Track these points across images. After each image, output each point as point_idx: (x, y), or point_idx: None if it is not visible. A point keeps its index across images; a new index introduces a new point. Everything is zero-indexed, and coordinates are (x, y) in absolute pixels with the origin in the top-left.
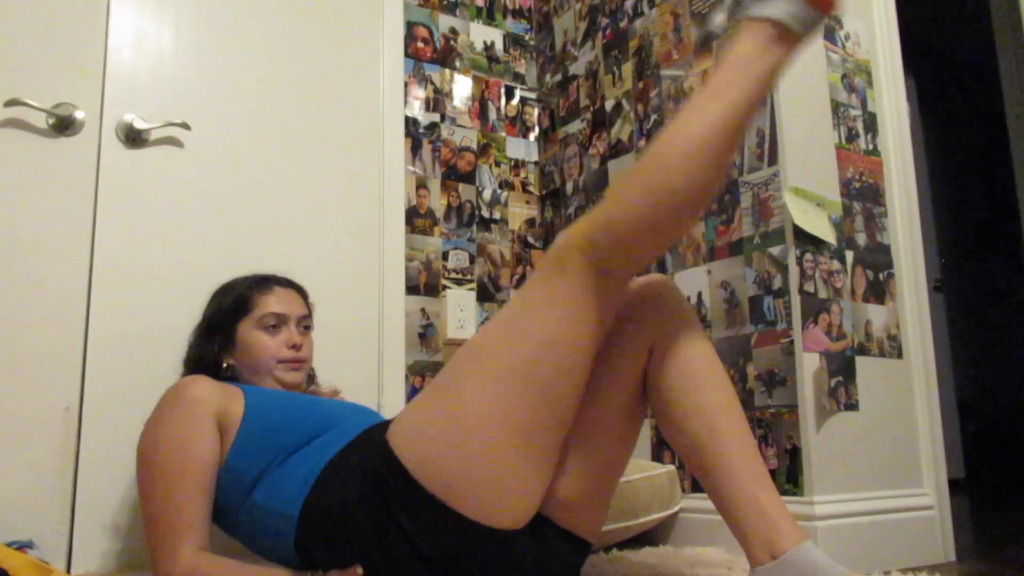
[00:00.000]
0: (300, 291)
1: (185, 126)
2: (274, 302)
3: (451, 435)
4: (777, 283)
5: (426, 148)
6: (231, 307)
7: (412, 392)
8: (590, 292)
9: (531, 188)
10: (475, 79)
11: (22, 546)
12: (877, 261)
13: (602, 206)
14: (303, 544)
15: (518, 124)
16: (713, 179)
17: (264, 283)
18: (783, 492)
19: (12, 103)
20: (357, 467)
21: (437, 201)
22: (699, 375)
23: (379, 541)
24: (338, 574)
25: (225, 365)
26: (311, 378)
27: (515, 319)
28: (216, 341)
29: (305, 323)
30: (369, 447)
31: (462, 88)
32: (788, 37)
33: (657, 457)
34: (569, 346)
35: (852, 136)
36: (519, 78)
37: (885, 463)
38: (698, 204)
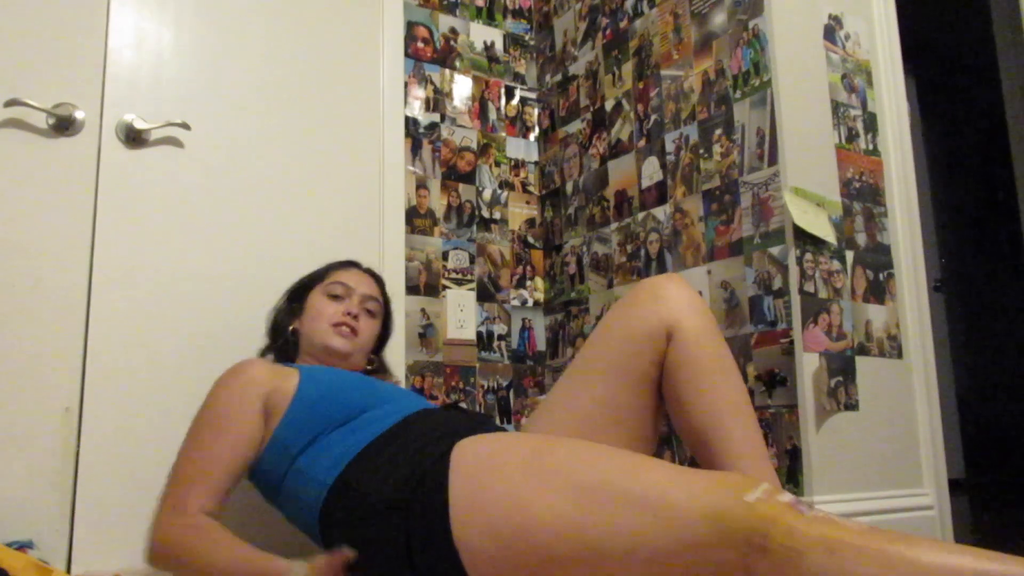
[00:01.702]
0: (377, 279)
1: (185, 126)
2: (345, 276)
3: (504, 517)
4: (777, 283)
5: (426, 148)
6: (309, 277)
7: (412, 392)
8: (713, 567)
9: (531, 188)
10: (475, 79)
11: (22, 546)
12: (877, 261)
13: (811, 534)
14: (327, 515)
15: (518, 124)
16: None
17: (346, 263)
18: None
19: (12, 103)
20: (403, 457)
21: (437, 201)
22: (710, 368)
23: (386, 550)
24: (326, 558)
25: (291, 328)
26: (376, 371)
27: (639, 503)
28: (291, 308)
29: (369, 305)
30: (430, 443)
31: (462, 88)
32: None
33: (658, 455)
34: (651, 567)
35: (852, 136)
36: (519, 78)
37: (885, 463)
38: None
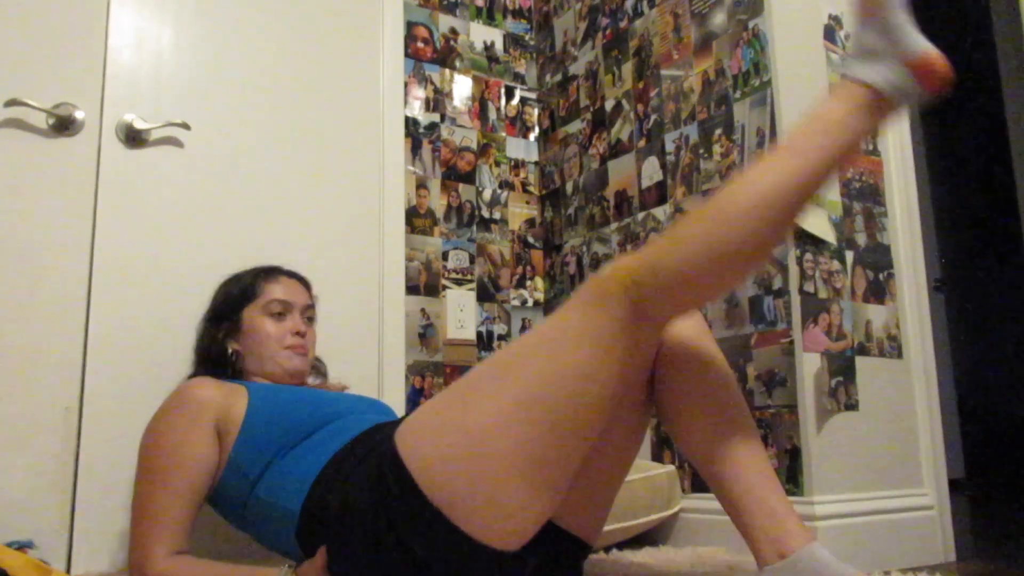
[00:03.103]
0: (305, 283)
1: (185, 126)
2: (280, 290)
3: (459, 449)
4: (777, 283)
5: (426, 148)
6: (239, 294)
7: (412, 392)
8: (626, 332)
9: (531, 188)
10: (475, 79)
11: (22, 546)
12: (877, 261)
13: (654, 247)
14: (305, 539)
15: (518, 124)
16: (772, 240)
17: (271, 272)
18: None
19: (12, 103)
20: (361, 465)
21: (437, 201)
22: (706, 373)
23: (376, 544)
24: (308, 564)
25: (231, 351)
26: (319, 371)
27: (545, 344)
28: (223, 328)
29: (309, 313)
30: (376, 446)
31: (462, 88)
32: (883, 106)
33: (657, 457)
34: (594, 381)
35: None
36: (519, 78)
37: (885, 463)
38: (752, 262)
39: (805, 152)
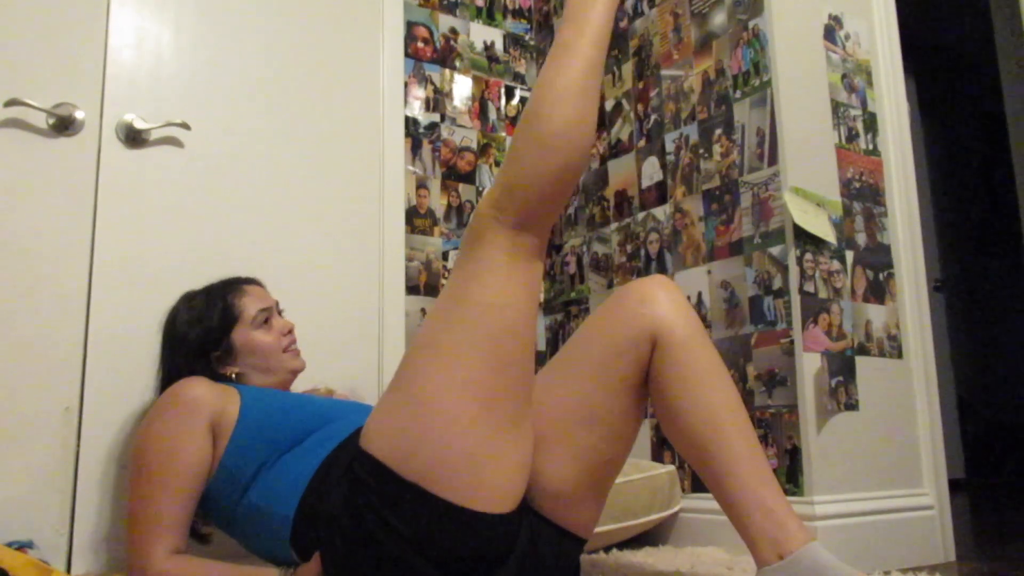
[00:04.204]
0: (260, 283)
1: (185, 126)
2: (254, 301)
3: (416, 417)
4: (777, 283)
5: (426, 148)
6: (220, 322)
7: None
8: (512, 252)
9: None
10: (475, 79)
11: (22, 546)
12: (877, 261)
13: (499, 176)
14: (300, 544)
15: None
16: (585, 121)
17: (233, 287)
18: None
19: (12, 103)
20: (344, 469)
21: (437, 201)
22: (702, 373)
23: (366, 539)
24: (305, 568)
25: (232, 375)
26: None
27: (452, 296)
28: (214, 357)
29: (279, 309)
30: (352, 448)
31: (462, 88)
32: None
33: (657, 457)
34: (507, 307)
35: (852, 136)
36: (519, 78)
37: (885, 463)
38: (580, 143)
39: (572, 47)
